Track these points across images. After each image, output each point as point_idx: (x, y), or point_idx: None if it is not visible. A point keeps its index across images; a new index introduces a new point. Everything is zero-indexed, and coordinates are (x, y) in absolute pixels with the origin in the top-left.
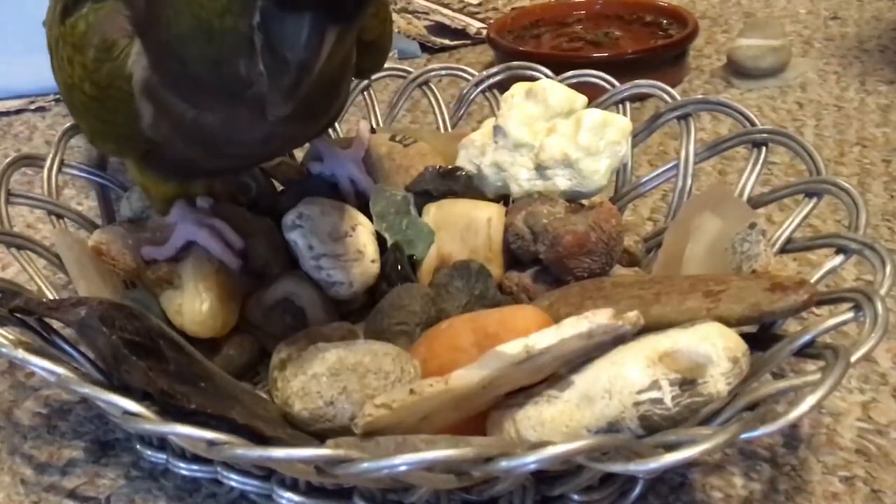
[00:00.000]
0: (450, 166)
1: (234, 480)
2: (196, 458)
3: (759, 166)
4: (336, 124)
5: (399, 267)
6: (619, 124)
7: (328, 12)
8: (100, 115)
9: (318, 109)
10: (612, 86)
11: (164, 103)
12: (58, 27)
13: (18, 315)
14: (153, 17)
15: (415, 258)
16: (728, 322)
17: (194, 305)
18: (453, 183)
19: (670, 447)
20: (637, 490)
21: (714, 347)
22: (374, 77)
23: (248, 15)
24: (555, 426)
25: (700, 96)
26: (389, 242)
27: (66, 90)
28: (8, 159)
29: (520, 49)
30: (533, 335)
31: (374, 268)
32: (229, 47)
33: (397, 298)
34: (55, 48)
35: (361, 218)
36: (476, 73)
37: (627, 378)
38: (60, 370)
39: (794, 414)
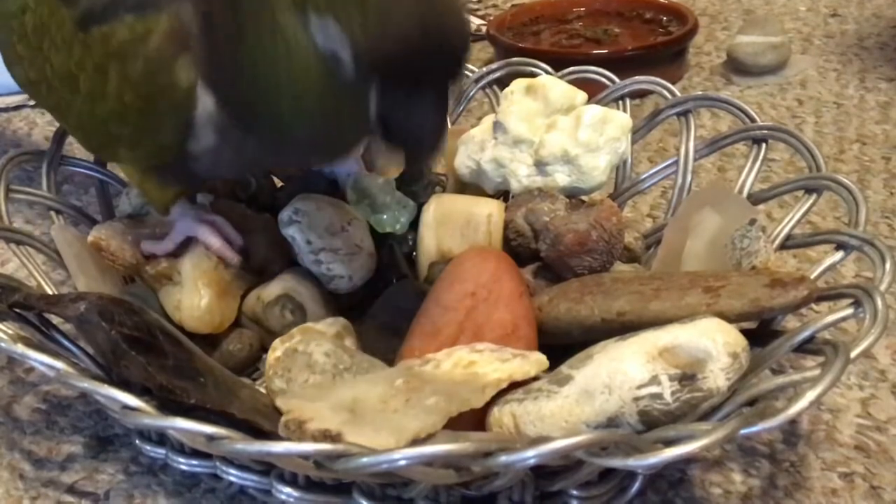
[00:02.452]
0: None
1: (233, 475)
2: (195, 453)
3: (758, 163)
4: None
5: (395, 262)
6: (618, 121)
7: (443, 82)
8: (138, 123)
9: None
10: (612, 82)
11: (227, 134)
12: (74, 34)
13: (18, 310)
14: (232, 68)
15: (412, 252)
16: (728, 318)
17: (193, 301)
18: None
19: (670, 442)
20: (636, 486)
21: (714, 343)
22: None
23: (366, 106)
24: (554, 421)
25: (700, 93)
26: (368, 217)
27: (85, 98)
28: (7, 155)
29: (519, 46)
30: None
31: (373, 262)
32: (340, 125)
33: (391, 297)
34: (66, 53)
35: (356, 213)
36: (476, 70)
37: (627, 373)
38: (60, 365)
39: (793, 410)
